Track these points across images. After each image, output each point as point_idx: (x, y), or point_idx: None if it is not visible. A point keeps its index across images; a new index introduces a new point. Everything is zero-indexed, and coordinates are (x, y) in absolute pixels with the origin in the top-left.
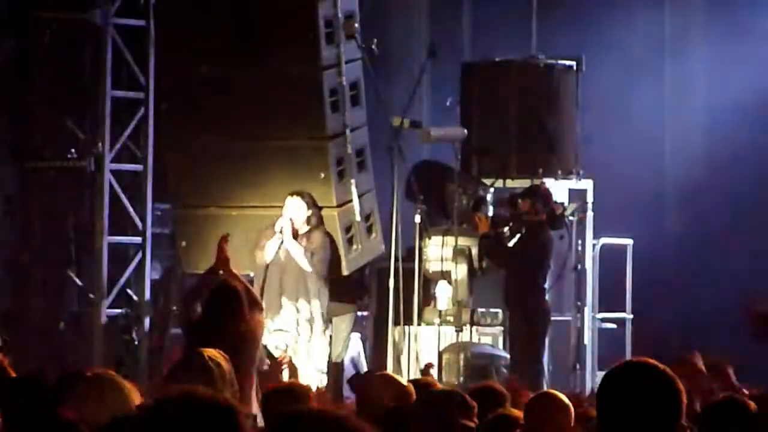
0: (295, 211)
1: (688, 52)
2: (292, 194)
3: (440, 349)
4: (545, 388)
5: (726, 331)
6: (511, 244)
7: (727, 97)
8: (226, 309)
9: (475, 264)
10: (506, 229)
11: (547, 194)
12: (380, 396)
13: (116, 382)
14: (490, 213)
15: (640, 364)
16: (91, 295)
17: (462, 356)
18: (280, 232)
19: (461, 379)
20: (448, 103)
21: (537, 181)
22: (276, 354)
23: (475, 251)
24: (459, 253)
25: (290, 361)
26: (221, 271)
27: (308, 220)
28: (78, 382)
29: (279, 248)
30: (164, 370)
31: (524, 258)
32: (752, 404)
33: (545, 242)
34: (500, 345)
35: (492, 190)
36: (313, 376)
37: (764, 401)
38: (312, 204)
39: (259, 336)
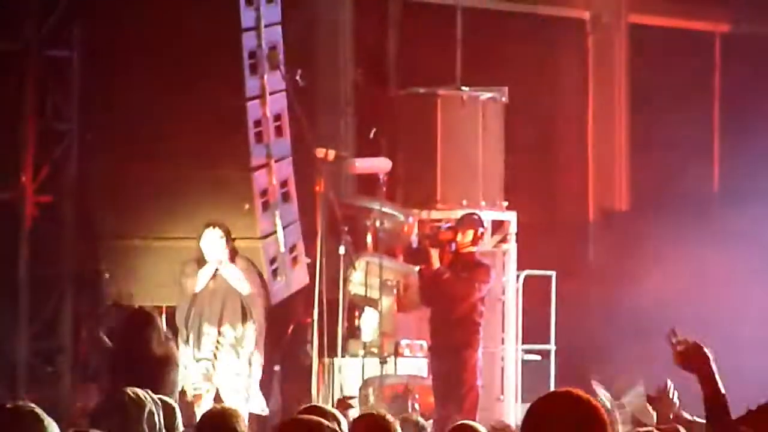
0: (217, 242)
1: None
2: (208, 225)
3: (364, 380)
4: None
5: (650, 361)
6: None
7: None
8: (144, 333)
9: (402, 296)
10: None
11: (482, 223)
12: None
13: (36, 414)
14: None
15: (565, 393)
16: (15, 326)
17: (382, 387)
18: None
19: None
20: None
21: (466, 211)
22: (197, 386)
23: (401, 282)
24: (384, 284)
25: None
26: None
27: (228, 250)
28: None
29: (212, 276)
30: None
31: (468, 290)
32: None
33: (488, 271)
34: (424, 376)
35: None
36: (239, 402)
37: None
38: (228, 235)
39: (176, 361)
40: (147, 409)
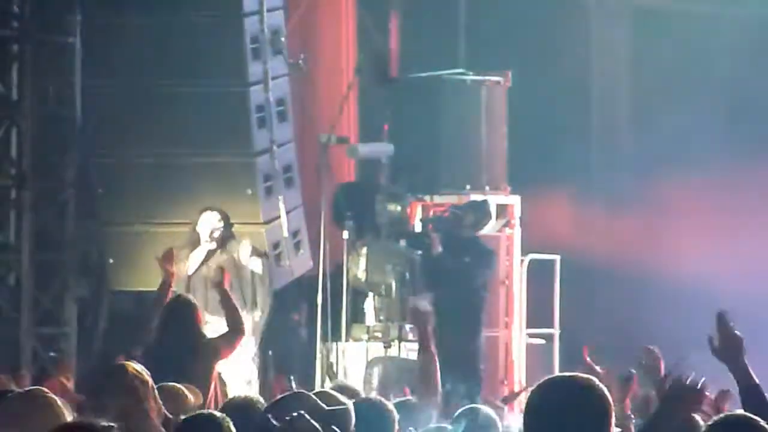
0: (215, 225)
1: (614, 70)
2: (205, 209)
3: (368, 361)
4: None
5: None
6: (450, 259)
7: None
8: (185, 320)
9: (407, 280)
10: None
11: (488, 209)
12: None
13: (46, 398)
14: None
15: (568, 377)
16: (18, 312)
17: (380, 370)
18: (210, 239)
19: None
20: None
21: (475, 197)
22: None
23: (404, 266)
24: (389, 268)
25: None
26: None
27: (224, 233)
28: (7, 400)
29: (204, 260)
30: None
31: (472, 274)
32: None
33: (491, 256)
34: None
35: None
36: (242, 388)
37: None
38: (226, 219)
39: (221, 351)
40: (150, 384)
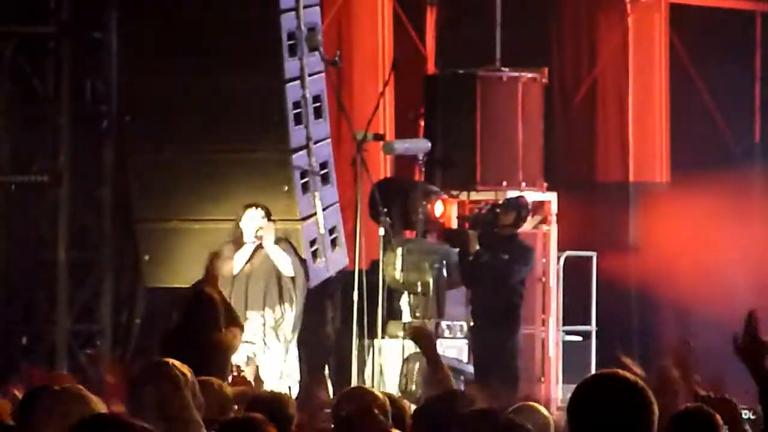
0: (257, 222)
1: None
2: (249, 206)
3: (404, 358)
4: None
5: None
6: (488, 257)
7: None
8: (201, 317)
9: (444, 277)
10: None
11: (527, 206)
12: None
13: (83, 395)
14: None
15: (612, 375)
16: (54, 310)
17: (422, 366)
18: (256, 237)
19: (420, 388)
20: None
21: (511, 194)
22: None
23: (441, 264)
24: (425, 265)
25: (243, 376)
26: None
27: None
28: (44, 396)
29: (251, 257)
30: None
31: (508, 272)
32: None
33: (530, 253)
34: (464, 358)
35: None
36: (280, 385)
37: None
38: (269, 216)
39: (232, 350)
40: (192, 378)
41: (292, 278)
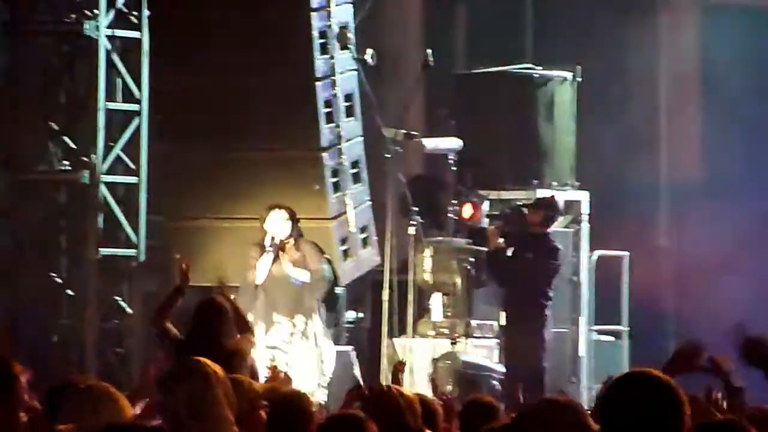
0: (280, 224)
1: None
2: (272, 207)
3: (434, 358)
4: None
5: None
6: (512, 255)
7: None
8: (213, 326)
9: (473, 276)
10: (504, 242)
11: (557, 206)
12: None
13: (110, 393)
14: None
15: (643, 374)
16: (84, 308)
17: (453, 366)
18: (270, 246)
19: (451, 388)
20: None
21: (542, 193)
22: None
23: (470, 263)
24: (455, 265)
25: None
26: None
27: (292, 232)
28: (72, 394)
29: (272, 265)
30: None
31: (533, 271)
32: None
33: (557, 253)
34: (495, 358)
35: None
36: (312, 391)
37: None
38: (294, 216)
39: (248, 356)
40: (223, 377)
41: (309, 282)
